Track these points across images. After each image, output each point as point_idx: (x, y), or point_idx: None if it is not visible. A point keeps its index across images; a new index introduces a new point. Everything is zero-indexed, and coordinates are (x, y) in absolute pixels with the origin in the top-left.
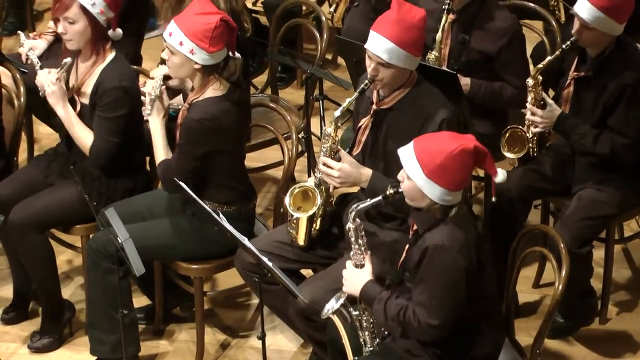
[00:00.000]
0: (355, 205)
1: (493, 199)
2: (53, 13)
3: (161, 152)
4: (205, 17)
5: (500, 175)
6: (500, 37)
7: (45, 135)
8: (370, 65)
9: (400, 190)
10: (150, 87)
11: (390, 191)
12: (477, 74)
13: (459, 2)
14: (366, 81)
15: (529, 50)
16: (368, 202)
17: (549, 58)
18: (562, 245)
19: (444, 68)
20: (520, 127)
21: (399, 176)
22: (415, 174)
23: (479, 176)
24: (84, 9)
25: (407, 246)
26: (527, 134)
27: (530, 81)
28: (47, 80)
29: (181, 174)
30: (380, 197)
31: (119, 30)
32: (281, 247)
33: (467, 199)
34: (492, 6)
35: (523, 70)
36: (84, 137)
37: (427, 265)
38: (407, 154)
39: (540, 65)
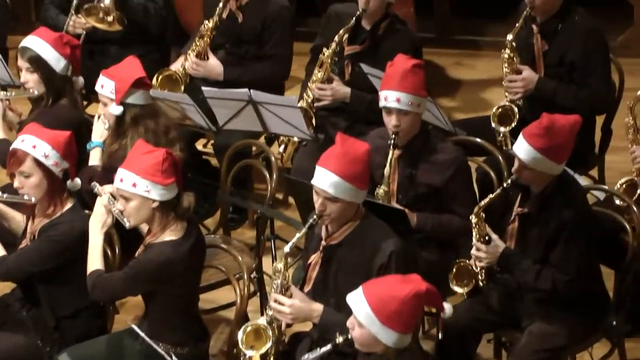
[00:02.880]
0: (305, 357)
1: (439, 335)
2: (8, 168)
3: (97, 262)
4: (151, 154)
5: (447, 311)
6: (446, 170)
7: None
8: (317, 201)
9: (350, 337)
10: (106, 200)
11: (339, 339)
12: (426, 207)
13: (404, 137)
14: (314, 216)
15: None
16: (317, 353)
17: (490, 196)
18: None
19: (393, 203)
20: (466, 260)
21: (349, 323)
22: (368, 321)
23: (430, 312)
24: (37, 162)
25: None
26: (475, 268)
27: (473, 218)
28: None
29: (115, 295)
30: (329, 346)
31: (77, 180)
32: None
33: (416, 337)
34: (436, 140)
35: (470, 200)
36: None
37: None
38: (357, 301)
39: (482, 203)
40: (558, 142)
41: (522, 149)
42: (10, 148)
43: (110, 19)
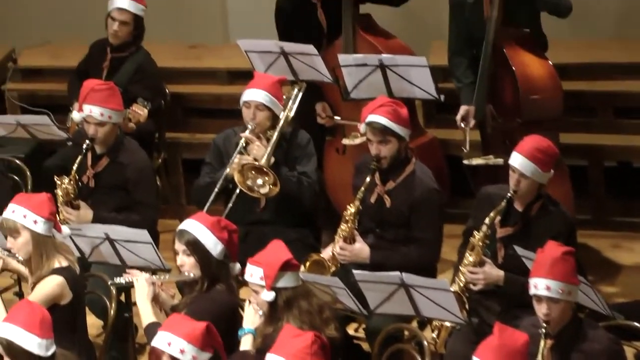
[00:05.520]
0: None
1: None
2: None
3: None
4: (300, 337)
5: None
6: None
7: None
8: None
9: None
10: None
11: None
12: None
13: (554, 326)
14: None
15: None
16: None
17: None
18: None
19: None
20: None
21: None
22: None
23: None
24: None
25: None
26: None
27: None
28: None
29: None
30: None
31: None
32: None
33: None
34: (588, 328)
35: None
36: None
37: None
38: None
39: None
40: None
41: None
42: (151, 345)
43: (261, 182)
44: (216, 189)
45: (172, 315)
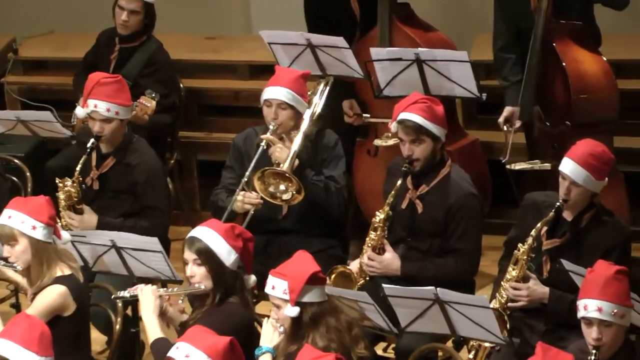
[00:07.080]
0: None
1: None
2: None
3: None
4: (322, 359)
5: None
6: None
7: None
8: None
9: None
10: None
11: None
12: None
13: (606, 352)
14: None
15: None
16: None
17: None
18: None
19: None
20: None
21: None
22: None
23: None
24: None
25: None
26: None
27: None
28: None
29: None
30: None
31: None
32: None
33: None
34: None
35: None
36: None
37: None
38: None
39: None
40: None
41: None
42: (167, 356)
43: (283, 188)
44: (225, 216)
45: (193, 326)
